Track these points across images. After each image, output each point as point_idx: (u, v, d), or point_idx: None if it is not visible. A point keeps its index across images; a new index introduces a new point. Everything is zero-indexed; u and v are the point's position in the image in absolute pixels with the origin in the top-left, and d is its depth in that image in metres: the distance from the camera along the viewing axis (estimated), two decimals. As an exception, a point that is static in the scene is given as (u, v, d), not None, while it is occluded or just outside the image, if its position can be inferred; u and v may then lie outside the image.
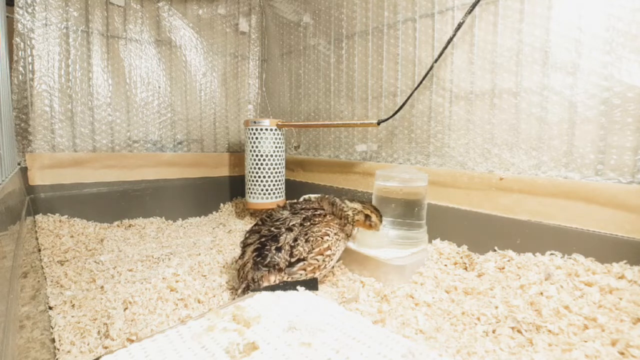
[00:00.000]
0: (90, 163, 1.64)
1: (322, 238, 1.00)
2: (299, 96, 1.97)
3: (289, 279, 0.94)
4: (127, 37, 1.73)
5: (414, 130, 1.41)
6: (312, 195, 1.24)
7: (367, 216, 1.12)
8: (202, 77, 1.99)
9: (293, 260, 0.95)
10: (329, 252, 1.00)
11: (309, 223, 1.02)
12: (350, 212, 1.10)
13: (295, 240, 0.97)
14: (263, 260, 0.94)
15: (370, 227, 1.13)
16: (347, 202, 1.13)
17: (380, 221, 1.13)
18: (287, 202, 1.17)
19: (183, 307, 0.92)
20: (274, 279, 0.93)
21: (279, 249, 0.95)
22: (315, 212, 1.06)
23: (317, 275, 0.98)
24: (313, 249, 0.98)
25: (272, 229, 1.00)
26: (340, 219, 1.09)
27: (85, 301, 0.94)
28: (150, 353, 0.64)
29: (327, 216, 1.07)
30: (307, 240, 0.98)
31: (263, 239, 0.98)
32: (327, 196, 1.16)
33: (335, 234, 1.04)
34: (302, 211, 1.06)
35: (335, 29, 1.73)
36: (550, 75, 1.06)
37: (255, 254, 0.96)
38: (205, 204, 1.97)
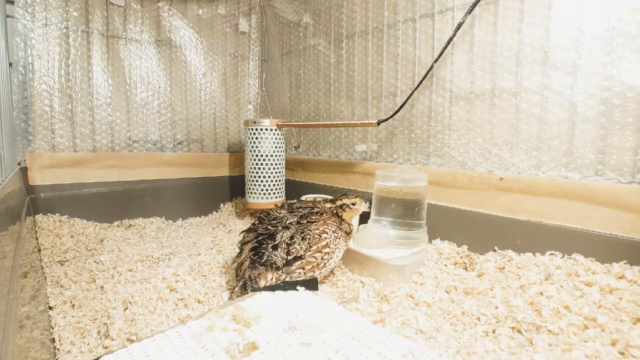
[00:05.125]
0: (90, 163, 1.64)
1: (319, 236, 1.00)
2: (299, 96, 1.97)
3: (288, 278, 0.94)
4: (127, 37, 1.73)
5: (414, 130, 1.41)
6: (310, 196, 1.24)
7: (342, 206, 1.12)
8: (202, 77, 1.99)
9: (290, 258, 0.95)
10: (327, 250, 1.00)
11: (305, 221, 1.02)
12: (334, 211, 1.11)
13: (291, 238, 0.97)
14: (260, 258, 0.94)
15: (354, 210, 1.13)
16: (324, 205, 1.14)
17: (358, 199, 1.14)
18: (286, 202, 1.17)
19: (183, 307, 0.92)
20: (271, 277, 0.93)
21: (275, 247, 0.95)
22: (312, 211, 1.07)
23: (317, 274, 0.98)
24: (310, 246, 0.98)
25: (269, 227, 1.01)
26: (334, 216, 1.09)
27: (85, 301, 0.94)
28: (150, 353, 0.64)
29: (325, 214, 1.07)
30: (303, 238, 0.98)
31: (260, 238, 0.98)
32: (316, 199, 1.16)
33: (334, 231, 1.04)
34: (299, 210, 1.07)
35: (335, 29, 1.73)
36: (550, 75, 1.06)
37: (252, 252, 0.97)
38: (205, 204, 1.97)
